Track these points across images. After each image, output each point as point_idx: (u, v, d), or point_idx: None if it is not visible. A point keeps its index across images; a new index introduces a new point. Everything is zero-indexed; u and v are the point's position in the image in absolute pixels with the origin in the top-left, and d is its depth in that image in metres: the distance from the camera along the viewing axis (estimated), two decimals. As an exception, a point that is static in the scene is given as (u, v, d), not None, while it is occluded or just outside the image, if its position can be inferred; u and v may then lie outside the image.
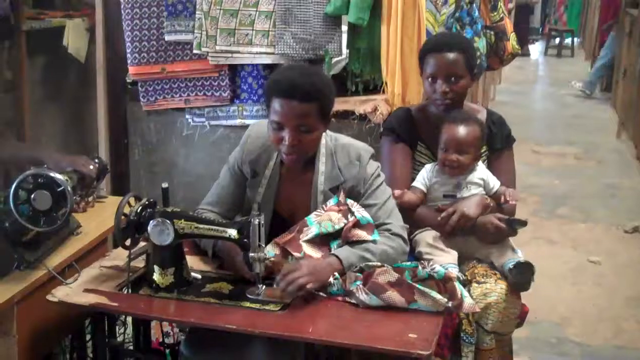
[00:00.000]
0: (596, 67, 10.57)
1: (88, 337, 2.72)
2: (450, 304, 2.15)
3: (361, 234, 2.37)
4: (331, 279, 2.24)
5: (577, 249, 5.06)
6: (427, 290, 2.14)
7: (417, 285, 2.15)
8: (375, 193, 2.48)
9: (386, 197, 2.51)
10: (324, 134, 2.51)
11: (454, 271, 2.42)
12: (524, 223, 2.60)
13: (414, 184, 2.74)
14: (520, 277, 2.48)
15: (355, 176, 2.47)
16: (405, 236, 2.45)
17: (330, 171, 2.48)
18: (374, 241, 2.37)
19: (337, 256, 2.31)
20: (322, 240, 2.40)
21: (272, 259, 2.32)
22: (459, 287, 2.20)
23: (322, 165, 2.48)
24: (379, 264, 2.26)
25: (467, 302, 2.18)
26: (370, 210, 2.44)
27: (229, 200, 2.59)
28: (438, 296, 2.14)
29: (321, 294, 2.24)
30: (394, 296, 2.15)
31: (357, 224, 2.39)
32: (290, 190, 2.54)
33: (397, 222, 2.46)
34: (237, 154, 2.60)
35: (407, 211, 2.64)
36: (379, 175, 2.52)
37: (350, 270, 2.28)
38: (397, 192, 2.65)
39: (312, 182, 2.49)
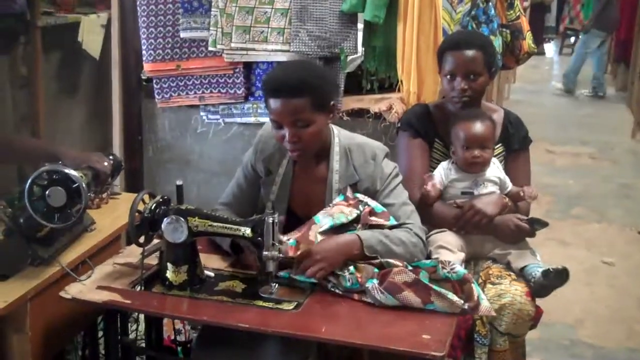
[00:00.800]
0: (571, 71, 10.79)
1: (100, 334, 2.73)
2: (466, 306, 2.14)
3: (379, 220, 2.39)
4: (346, 273, 2.23)
5: (590, 249, 5.04)
6: (443, 291, 2.13)
7: (434, 287, 2.14)
8: (393, 193, 2.49)
9: (405, 197, 2.51)
10: (336, 132, 2.52)
11: None
12: (545, 224, 2.61)
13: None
14: (555, 283, 2.48)
15: (371, 175, 2.47)
16: (424, 238, 2.45)
17: (346, 170, 2.48)
18: (391, 227, 2.38)
19: (358, 236, 2.32)
20: (337, 232, 2.39)
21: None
22: (476, 289, 2.18)
23: (336, 164, 2.48)
24: (397, 262, 2.25)
25: (484, 304, 2.17)
26: (389, 210, 2.44)
27: (244, 200, 2.61)
28: (454, 298, 2.13)
29: (337, 290, 2.24)
30: (410, 296, 2.14)
31: (372, 212, 2.40)
32: (305, 189, 2.54)
33: (417, 224, 2.46)
34: (250, 153, 2.61)
35: (425, 207, 2.64)
36: (397, 175, 2.52)
37: (369, 253, 2.29)
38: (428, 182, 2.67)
39: (327, 181, 2.49)
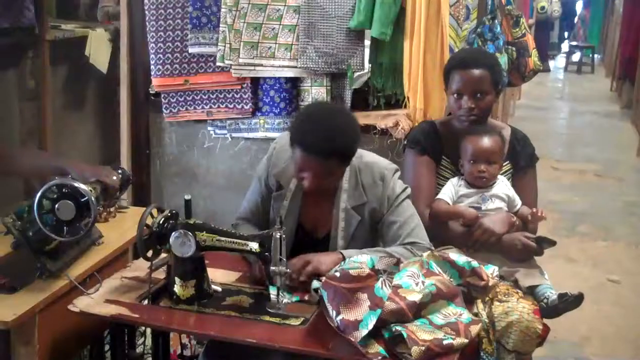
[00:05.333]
0: None
1: (107, 347, 2.73)
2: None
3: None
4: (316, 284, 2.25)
5: (596, 267, 5.03)
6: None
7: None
8: (397, 210, 2.50)
9: (409, 214, 2.51)
10: None
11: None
12: (552, 243, 2.62)
13: (440, 196, 2.75)
14: (570, 307, 2.50)
15: (379, 197, 2.49)
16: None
17: (354, 189, 2.49)
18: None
19: (342, 254, 2.37)
20: None
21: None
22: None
23: (345, 184, 2.50)
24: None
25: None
26: (392, 228, 2.46)
27: (260, 214, 2.64)
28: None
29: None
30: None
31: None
32: (314, 205, 2.56)
33: (420, 242, 2.46)
34: (263, 166, 2.64)
35: (438, 224, 2.65)
36: (404, 192, 2.52)
37: None
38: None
39: (335, 200, 2.50)
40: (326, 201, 2.53)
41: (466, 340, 2.02)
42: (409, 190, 2.55)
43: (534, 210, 2.71)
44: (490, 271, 2.30)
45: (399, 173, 2.56)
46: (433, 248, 2.51)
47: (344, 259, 2.31)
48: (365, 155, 2.57)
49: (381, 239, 2.53)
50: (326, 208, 2.53)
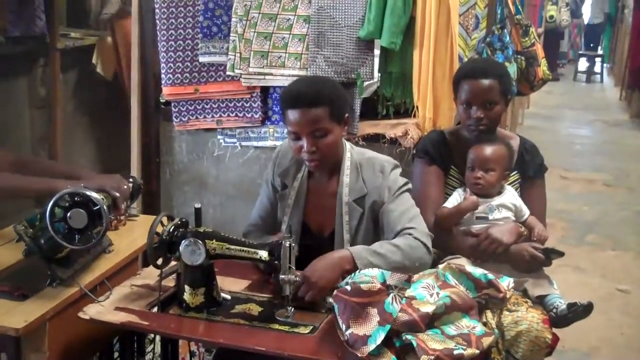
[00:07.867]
0: None
1: (116, 354, 2.74)
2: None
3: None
4: (329, 299, 2.22)
5: (605, 277, 5.01)
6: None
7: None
8: (396, 200, 2.51)
9: (408, 205, 2.52)
10: (349, 148, 2.58)
11: None
12: (560, 254, 2.61)
13: (446, 204, 2.75)
14: (579, 316, 2.50)
15: (378, 187, 2.52)
16: (429, 244, 2.43)
17: (355, 183, 2.53)
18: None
19: (349, 250, 2.35)
20: None
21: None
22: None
23: (346, 177, 2.54)
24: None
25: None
26: (390, 217, 2.47)
27: (269, 219, 2.67)
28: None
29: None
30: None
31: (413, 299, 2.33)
32: (318, 203, 2.60)
33: (420, 228, 2.46)
34: (269, 169, 2.69)
35: (441, 234, 2.66)
36: (405, 186, 2.55)
37: (363, 267, 2.27)
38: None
39: (337, 196, 2.53)
40: (329, 198, 2.56)
41: (477, 351, 2.02)
42: (410, 185, 2.57)
43: (536, 230, 2.71)
44: (506, 284, 2.30)
45: (399, 169, 2.59)
46: (432, 235, 2.51)
47: (352, 257, 2.31)
48: (366, 152, 2.63)
49: (381, 230, 2.54)
50: (329, 205, 2.56)
